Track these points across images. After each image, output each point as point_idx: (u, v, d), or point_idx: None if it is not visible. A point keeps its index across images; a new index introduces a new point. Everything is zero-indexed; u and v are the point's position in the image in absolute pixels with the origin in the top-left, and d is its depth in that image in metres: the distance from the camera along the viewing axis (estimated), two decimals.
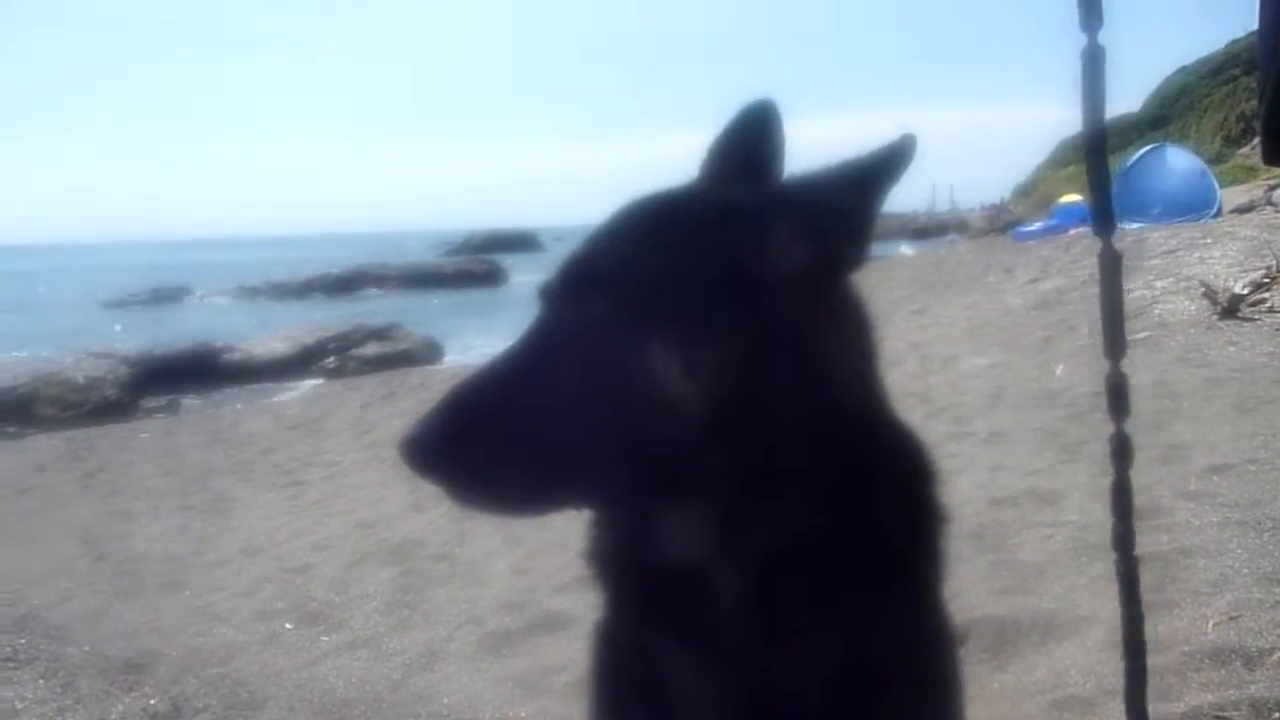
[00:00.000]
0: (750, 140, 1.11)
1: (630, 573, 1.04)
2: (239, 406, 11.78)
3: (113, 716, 3.36)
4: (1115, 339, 0.86)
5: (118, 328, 20.03)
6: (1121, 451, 0.91)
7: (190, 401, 12.37)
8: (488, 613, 4.00)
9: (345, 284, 31.95)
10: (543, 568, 4.38)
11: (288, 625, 4.21)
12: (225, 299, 30.98)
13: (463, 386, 0.96)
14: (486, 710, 3.19)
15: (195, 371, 13.36)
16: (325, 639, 4.01)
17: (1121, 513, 0.91)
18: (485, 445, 0.94)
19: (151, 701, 3.45)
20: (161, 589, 4.94)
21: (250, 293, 31.42)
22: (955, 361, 7.87)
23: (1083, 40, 0.80)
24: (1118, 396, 0.89)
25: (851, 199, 0.95)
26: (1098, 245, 0.95)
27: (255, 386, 13.07)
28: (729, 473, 0.94)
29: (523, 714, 3.14)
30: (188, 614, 4.48)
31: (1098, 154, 0.83)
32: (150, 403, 12.05)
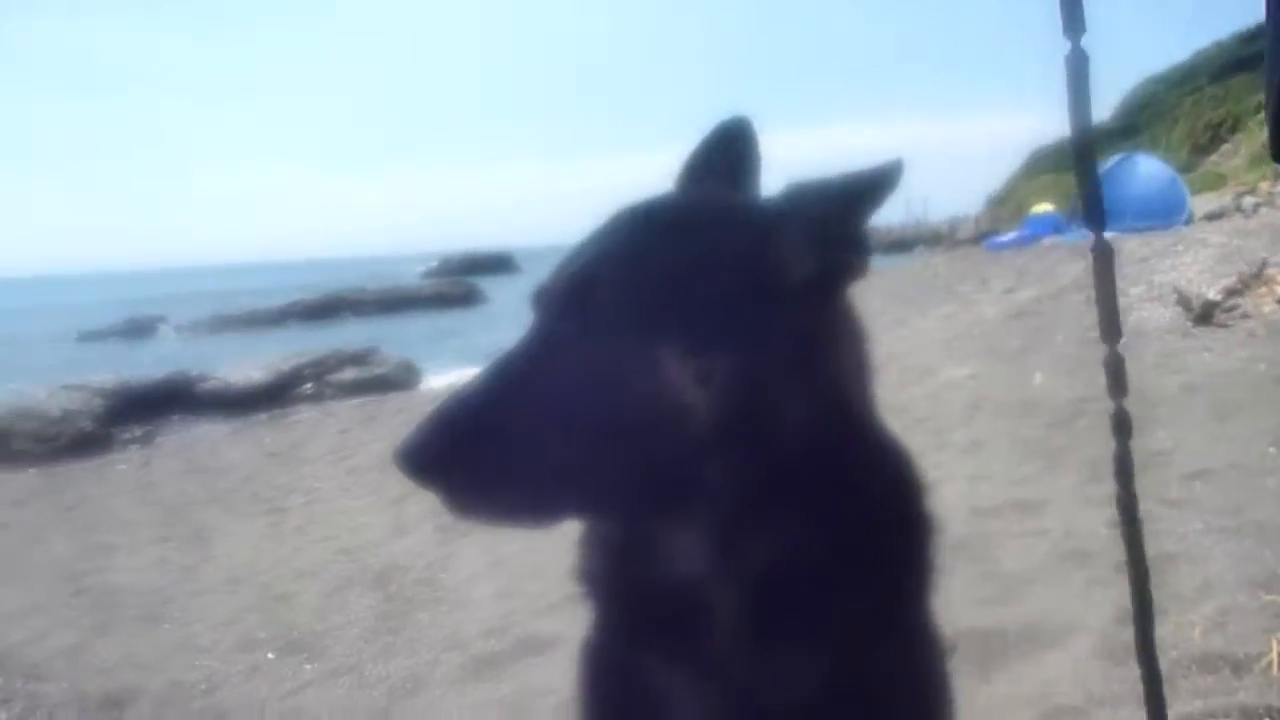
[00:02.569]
0: (725, 156, 1.11)
1: (624, 589, 1.02)
2: (216, 435, 11.68)
3: None
4: (1111, 323, 0.87)
5: (92, 359, 19.83)
6: (1121, 427, 0.92)
7: (167, 432, 12.24)
8: (472, 637, 3.97)
9: (322, 310, 31.77)
10: (527, 591, 4.35)
11: (270, 655, 4.16)
12: (200, 329, 30.74)
13: (462, 393, 0.94)
14: None
15: (171, 402, 13.21)
16: (308, 667, 3.97)
17: (1125, 484, 0.93)
18: (485, 453, 0.92)
19: None
20: (141, 622, 4.87)
21: (225, 322, 31.18)
22: (934, 372, 7.89)
23: (1063, 48, 0.80)
24: (1117, 376, 0.90)
25: (854, 209, 0.95)
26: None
27: (233, 415, 12.96)
28: (733, 485, 0.93)
29: None
30: (168, 647, 4.42)
31: (1085, 149, 0.83)
32: (126, 434, 11.91)
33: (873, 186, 0.94)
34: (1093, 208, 0.87)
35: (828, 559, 0.95)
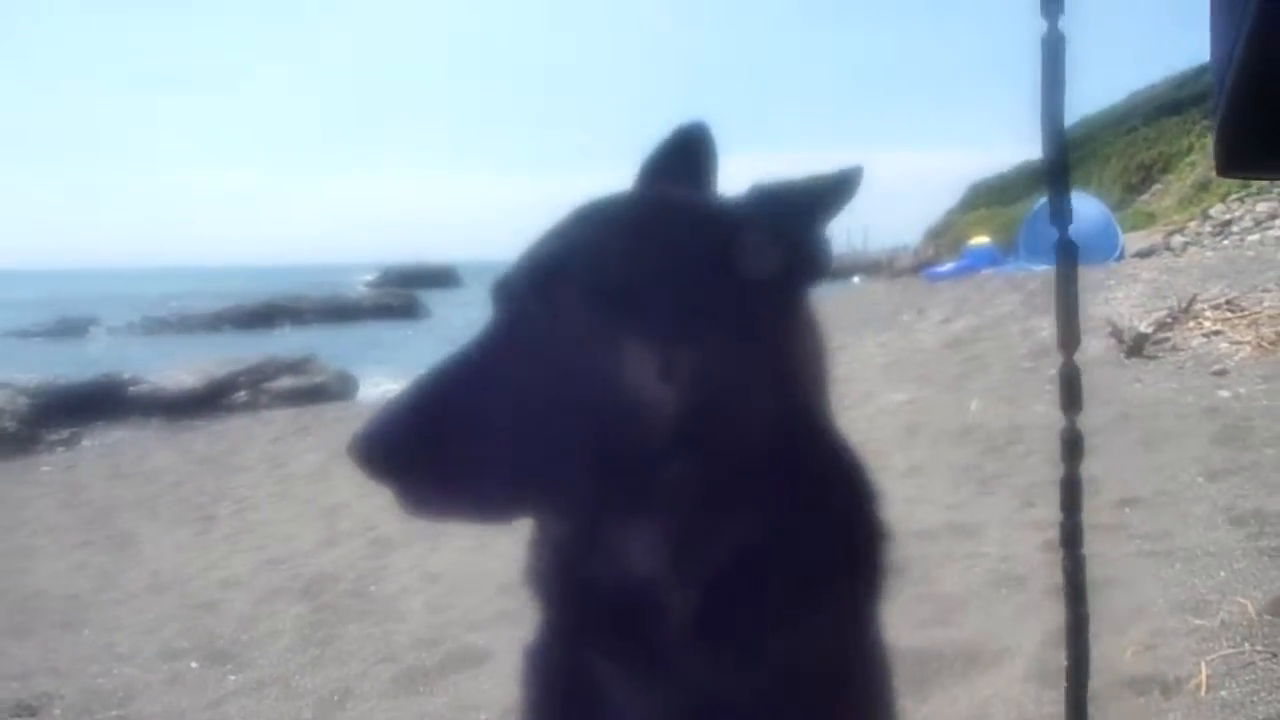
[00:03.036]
0: (683, 160, 1.09)
1: (575, 589, 0.99)
2: (146, 440, 11.42)
3: None
4: (1069, 333, 0.87)
5: (19, 358, 19.28)
6: (1072, 448, 0.91)
7: (95, 435, 11.94)
8: (403, 649, 3.89)
9: (259, 317, 31.22)
10: (459, 604, 4.29)
11: (193, 664, 4.05)
12: (134, 331, 30.06)
13: (420, 383, 0.91)
14: None
15: (100, 404, 12.89)
16: (232, 678, 3.87)
17: (1070, 509, 0.92)
18: (443, 446, 0.88)
19: None
20: (59, 628, 4.73)
21: (159, 325, 30.53)
22: (873, 397, 7.96)
23: (1040, 30, 0.80)
24: (1070, 389, 0.90)
25: (815, 210, 0.95)
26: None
27: (163, 420, 12.68)
28: (691, 482, 0.91)
29: None
30: (87, 653, 4.29)
31: (1059, 152, 0.83)
32: (52, 436, 11.60)
33: (834, 189, 0.94)
34: (1058, 208, 0.87)
35: (783, 560, 0.94)
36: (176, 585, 5.34)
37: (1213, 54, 0.88)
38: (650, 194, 1.05)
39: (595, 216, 0.99)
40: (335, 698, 3.52)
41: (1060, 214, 0.86)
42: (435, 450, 0.89)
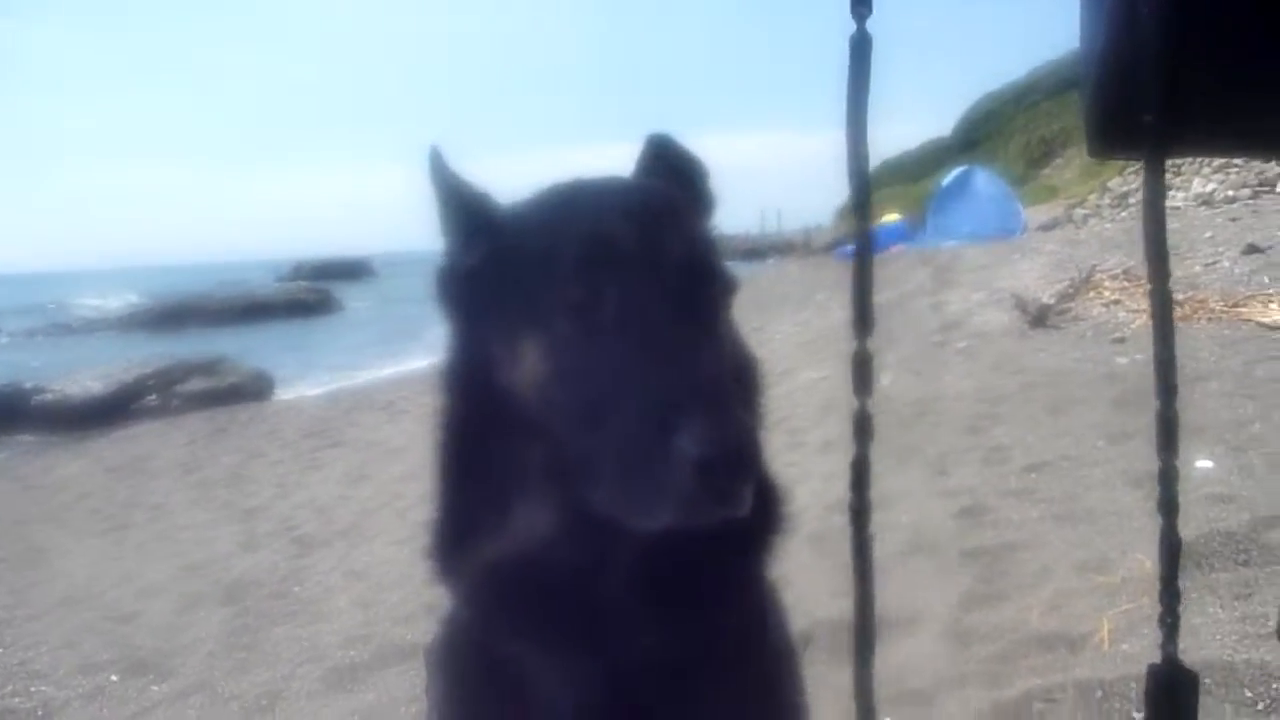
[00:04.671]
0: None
1: (501, 576, 1.03)
2: (52, 451, 11.07)
3: None
4: (863, 315, 0.92)
5: None
6: (861, 429, 0.95)
7: None
8: (331, 648, 3.87)
9: (168, 318, 30.33)
10: (386, 600, 4.27)
11: (113, 677, 3.98)
12: (35, 336, 29.05)
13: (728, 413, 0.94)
14: None
15: (3, 416, 12.49)
16: (155, 688, 3.81)
17: (859, 489, 0.96)
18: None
19: None
20: None
21: (63, 330, 29.59)
22: (791, 374, 8.09)
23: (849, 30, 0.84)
24: (861, 371, 0.94)
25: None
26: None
27: (70, 429, 12.30)
28: (584, 460, 0.93)
29: None
30: (1, 672, 4.18)
31: (862, 160, 0.88)
32: None
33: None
34: (860, 206, 0.92)
35: (681, 538, 0.96)
36: (92, 597, 5.22)
37: (1081, 39, 0.93)
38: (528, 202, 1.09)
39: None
40: (263, 701, 3.49)
41: (862, 210, 0.90)
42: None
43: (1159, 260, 0.82)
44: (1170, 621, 0.90)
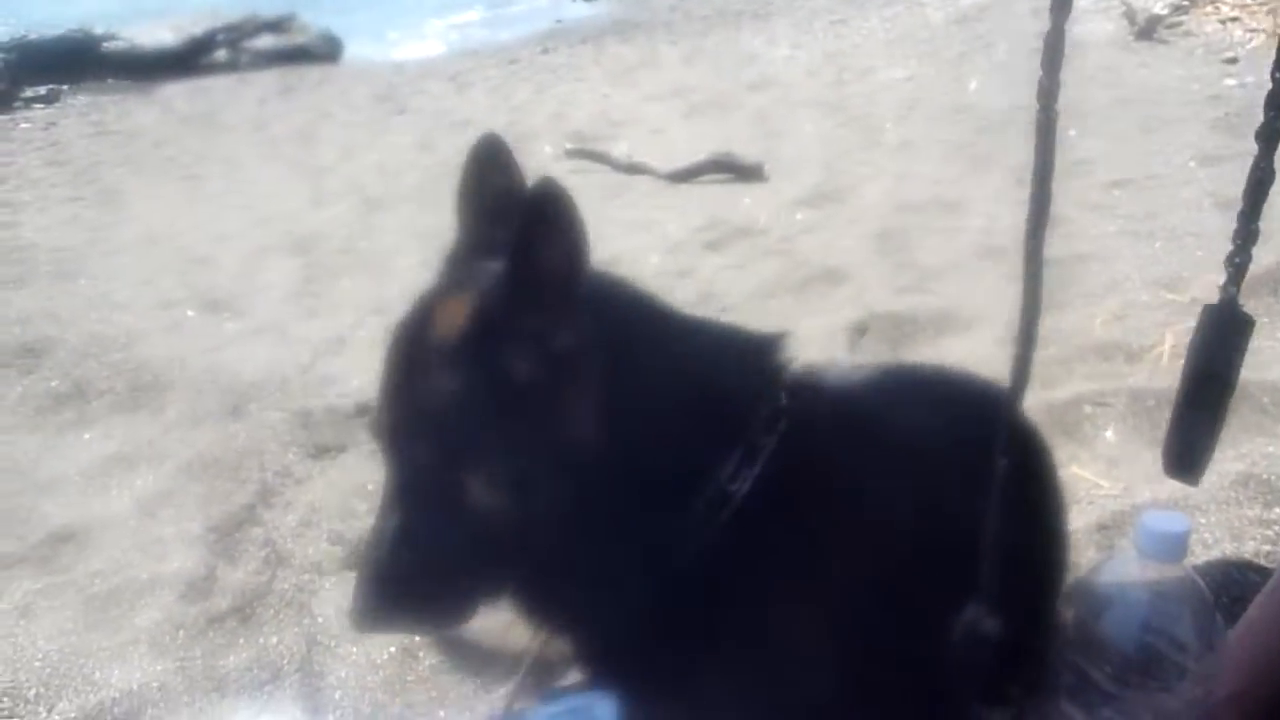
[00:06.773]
0: (489, 174, 1.16)
1: None
2: (126, 99, 11.09)
3: (12, 398, 3.34)
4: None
5: None
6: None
7: (72, 92, 11.57)
8: (394, 303, 3.96)
9: None
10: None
11: (190, 313, 4.16)
12: None
13: (372, 553, 1.07)
14: None
15: (74, 61, 12.42)
16: (230, 325, 3.99)
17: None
18: (414, 591, 1.07)
19: (53, 384, 3.42)
20: (55, 278, 4.81)
21: None
22: (872, 73, 7.75)
23: None
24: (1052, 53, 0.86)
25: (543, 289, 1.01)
26: None
27: (141, 79, 12.24)
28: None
29: None
30: (85, 302, 4.38)
31: None
32: (29, 92, 11.25)
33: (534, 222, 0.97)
34: None
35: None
36: (168, 239, 5.39)
37: None
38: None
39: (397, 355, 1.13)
40: (331, 345, 3.64)
41: None
42: (409, 597, 1.07)
43: None
44: (1239, 262, 0.86)
